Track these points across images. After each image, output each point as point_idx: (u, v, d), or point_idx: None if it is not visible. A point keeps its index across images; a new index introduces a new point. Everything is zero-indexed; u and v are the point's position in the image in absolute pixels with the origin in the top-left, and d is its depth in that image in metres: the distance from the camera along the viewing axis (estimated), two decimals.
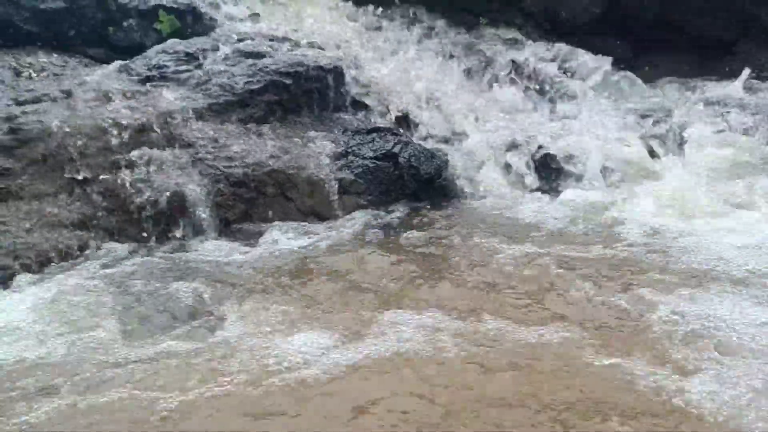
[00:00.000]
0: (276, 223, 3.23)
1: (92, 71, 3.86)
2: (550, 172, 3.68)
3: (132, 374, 2.09)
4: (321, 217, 3.33)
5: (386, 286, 2.62)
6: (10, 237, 2.94)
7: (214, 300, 2.55)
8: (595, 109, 4.17)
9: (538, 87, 4.46)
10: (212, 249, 3.00)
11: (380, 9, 4.83)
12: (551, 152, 3.72)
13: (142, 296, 2.59)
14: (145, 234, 3.12)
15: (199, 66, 3.82)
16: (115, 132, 3.32)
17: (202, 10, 4.40)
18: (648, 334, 2.20)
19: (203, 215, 3.17)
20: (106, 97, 3.52)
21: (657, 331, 2.21)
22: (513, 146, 3.78)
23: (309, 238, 3.08)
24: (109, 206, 3.13)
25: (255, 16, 4.53)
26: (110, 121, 3.34)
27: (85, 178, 3.18)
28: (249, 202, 3.30)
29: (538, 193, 3.57)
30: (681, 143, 3.86)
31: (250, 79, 3.71)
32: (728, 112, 4.13)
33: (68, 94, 3.51)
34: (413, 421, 1.81)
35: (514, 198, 3.52)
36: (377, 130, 3.66)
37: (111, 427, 1.86)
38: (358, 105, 3.92)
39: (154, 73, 3.77)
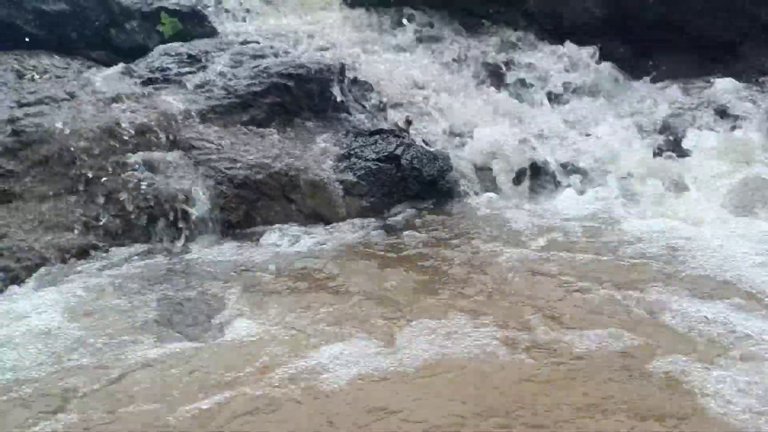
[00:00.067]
0: (278, 225, 3.24)
1: (95, 73, 3.86)
2: (553, 174, 3.67)
3: (140, 377, 2.07)
4: (323, 219, 3.33)
5: (391, 290, 2.60)
6: (12, 239, 2.95)
7: (217, 302, 2.54)
8: (597, 111, 4.16)
9: (540, 89, 4.46)
10: (215, 251, 3.00)
11: (382, 11, 4.84)
12: (554, 154, 3.71)
13: (145, 298, 2.59)
14: (147, 236, 3.12)
15: (202, 68, 3.83)
16: (117, 134, 3.32)
17: (205, 12, 4.41)
18: (679, 340, 2.16)
19: (206, 217, 3.17)
20: (109, 100, 3.52)
21: (691, 336, 2.17)
22: (516, 148, 3.77)
23: (312, 240, 3.08)
24: (112, 208, 3.13)
25: (257, 19, 4.53)
26: (113, 123, 3.34)
27: (88, 180, 3.18)
28: (251, 203, 3.30)
29: (541, 196, 3.56)
30: (684, 145, 3.85)
31: (253, 81, 3.71)
32: (730, 113, 4.12)
33: (71, 96, 3.52)
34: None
35: (518, 200, 3.52)
36: (380, 132, 3.66)
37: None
38: (361, 107, 3.92)
39: (157, 75, 3.77)
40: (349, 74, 3.94)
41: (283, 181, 3.37)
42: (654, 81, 4.69)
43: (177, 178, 3.23)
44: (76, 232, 3.05)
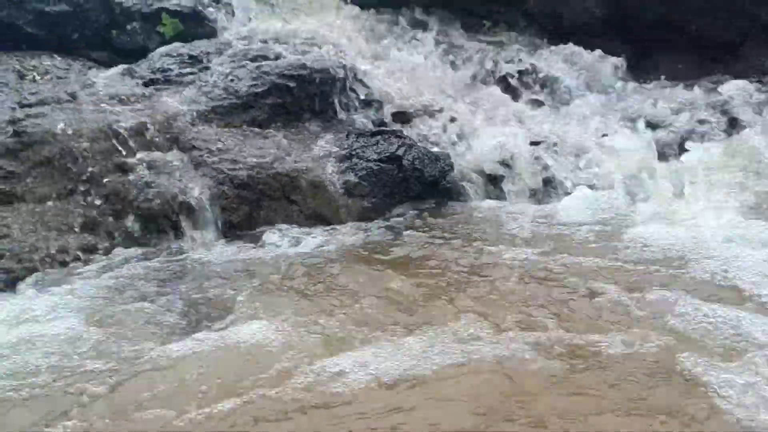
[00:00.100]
0: (280, 225, 3.23)
1: (96, 74, 3.86)
2: (554, 175, 3.66)
3: (147, 381, 2.05)
4: (325, 220, 3.33)
5: (399, 292, 2.57)
6: (13, 240, 2.94)
7: (222, 304, 2.53)
8: (599, 112, 4.15)
9: (541, 89, 4.45)
10: (217, 252, 3.00)
11: (382, 12, 4.84)
12: (556, 155, 3.71)
13: (148, 300, 2.58)
14: (149, 237, 3.12)
15: (203, 69, 3.83)
16: (119, 135, 3.32)
17: (205, 13, 4.41)
18: (701, 341, 2.13)
19: (207, 218, 3.17)
20: (111, 101, 3.52)
21: (709, 339, 2.15)
22: (518, 149, 3.77)
23: (314, 241, 3.08)
24: (114, 209, 3.13)
25: (258, 19, 4.53)
26: (114, 124, 3.34)
27: (89, 181, 3.18)
28: (253, 204, 3.30)
29: (544, 198, 3.55)
30: (688, 147, 3.84)
31: (254, 82, 3.71)
32: (736, 115, 4.12)
33: (72, 97, 3.52)
34: None
35: (520, 202, 3.51)
36: (381, 132, 3.66)
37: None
38: (362, 108, 3.92)
39: (158, 76, 3.78)
40: (350, 75, 3.93)
41: (285, 181, 3.37)
42: (655, 82, 4.69)
43: (178, 178, 3.23)
44: (77, 233, 3.05)
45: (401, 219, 3.34)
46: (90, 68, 4.02)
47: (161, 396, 1.98)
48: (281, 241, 3.10)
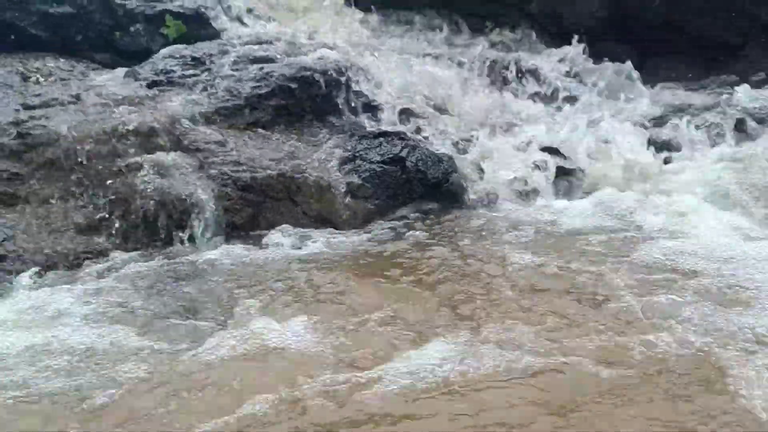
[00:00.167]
0: (283, 227, 3.22)
1: (99, 76, 3.87)
2: (558, 177, 3.66)
3: (154, 387, 2.01)
4: (328, 221, 3.33)
5: (409, 295, 2.53)
6: (18, 242, 2.95)
7: (229, 307, 2.51)
8: (603, 114, 4.14)
9: (545, 91, 4.45)
10: (220, 253, 2.98)
11: (385, 12, 4.84)
12: (560, 157, 3.70)
13: (153, 302, 2.57)
14: (152, 238, 3.11)
15: (206, 71, 3.83)
16: (122, 137, 3.32)
17: (208, 15, 4.42)
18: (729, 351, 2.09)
19: (211, 219, 3.17)
20: (114, 102, 3.53)
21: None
22: (521, 151, 3.77)
23: (317, 242, 3.07)
24: (117, 211, 3.13)
25: (261, 21, 4.53)
26: (118, 125, 3.35)
27: (93, 183, 3.18)
28: (256, 206, 3.30)
29: (546, 199, 3.54)
30: (691, 148, 3.84)
31: (257, 84, 3.72)
32: (734, 115, 4.11)
33: (76, 98, 3.52)
34: None
35: (523, 203, 3.50)
36: (384, 134, 3.66)
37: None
38: (365, 109, 3.92)
39: (161, 77, 3.78)
40: (353, 76, 3.94)
41: (288, 183, 3.37)
42: (658, 83, 4.69)
43: (182, 180, 3.23)
44: (81, 234, 3.05)
45: (404, 221, 3.33)
46: (93, 70, 4.03)
47: (170, 400, 1.95)
48: (285, 242, 3.09)
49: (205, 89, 3.70)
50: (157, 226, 3.12)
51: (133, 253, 3.00)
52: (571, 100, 4.40)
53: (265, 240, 3.11)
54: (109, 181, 3.19)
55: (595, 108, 4.27)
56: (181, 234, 3.13)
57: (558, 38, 4.91)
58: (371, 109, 3.93)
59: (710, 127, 4.01)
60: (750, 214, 3.21)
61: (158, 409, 1.91)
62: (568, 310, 2.38)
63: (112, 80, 3.79)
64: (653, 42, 4.83)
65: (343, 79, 3.85)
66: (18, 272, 2.83)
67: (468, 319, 2.35)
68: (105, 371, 2.12)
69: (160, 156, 3.31)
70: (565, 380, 1.97)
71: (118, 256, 2.98)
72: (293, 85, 3.72)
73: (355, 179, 3.44)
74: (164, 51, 4.00)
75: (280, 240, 3.10)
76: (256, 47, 4.02)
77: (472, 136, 3.90)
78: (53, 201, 3.15)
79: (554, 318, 2.32)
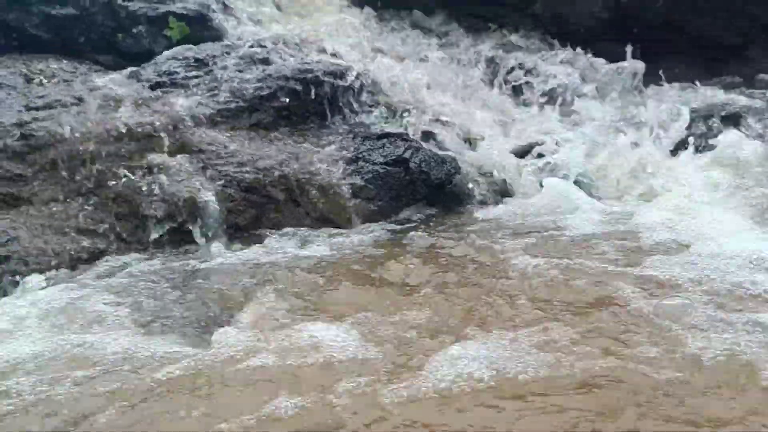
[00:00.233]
0: (286, 228, 3.22)
1: (102, 78, 3.86)
2: (561, 179, 3.65)
3: (161, 395, 1.98)
4: (331, 223, 3.32)
5: (418, 299, 2.49)
6: (21, 243, 2.94)
7: (227, 305, 2.52)
8: (605, 115, 4.14)
9: (547, 92, 4.45)
10: (224, 254, 2.98)
11: (388, 14, 4.85)
12: (562, 158, 3.70)
13: (153, 302, 2.56)
14: (155, 240, 3.11)
15: (209, 72, 3.83)
16: (125, 138, 3.33)
17: (211, 16, 4.42)
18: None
19: (214, 221, 3.17)
20: (117, 104, 3.53)
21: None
22: (524, 152, 3.77)
23: (321, 244, 3.06)
24: (120, 212, 3.13)
25: (264, 22, 4.53)
26: (121, 127, 3.35)
27: (96, 184, 3.18)
28: (259, 207, 3.30)
29: (551, 200, 3.53)
30: (694, 150, 3.84)
31: (260, 85, 3.71)
32: (736, 115, 4.11)
33: (79, 100, 3.52)
34: None
35: (526, 205, 3.50)
36: (387, 135, 3.65)
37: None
38: (368, 110, 3.92)
39: (164, 79, 3.78)
40: (356, 77, 3.94)
41: (291, 184, 3.37)
42: (660, 84, 4.69)
43: (184, 181, 3.23)
44: (84, 236, 3.05)
45: (408, 222, 3.33)
46: (96, 71, 4.02)
47: (179, 401, 1.93)
48: (288, 243, 3.09)
49: (208, 91, 3.70)
50: (159, 228, 3.11)
51: (137, 255, 3.00)
52: (575, 101, 4.40)
53: (268, 241, 3.11)
54: (112, 183, 3.19)
55: (597, 109, 4.27)
56: (184, 235, 3.13)
57: (561, 40, 4.92)
58: (374, 110, 3.92)
59: (710, 127, 4.01)
60: (747, 210, 3.21)
61: (170, 411, 1.89)
62: (587, 311, 2.34)
63: (115, 82, 3.78)
64: (653, 42, 4.84)
65: (345, 80, 3.85)
66: (21, 273, 2.82)
67: (481, 323, 2.30)
68: (114, 374, 2.10)
69: (162, 157, 3.31)
70: (609, 384, 1.91)
71: (121, 257, 2.97)
72: (296, 87, 3.72)
73: (358, 180, 3.44)
74: (167, 52, 4.00)
75: (284, 241, 3.10)
76: (259, 49, 4.02)
77: (475, 137, 3.89)
78: (57, 202, 3.15)
79: (579, 321, 2.27)
